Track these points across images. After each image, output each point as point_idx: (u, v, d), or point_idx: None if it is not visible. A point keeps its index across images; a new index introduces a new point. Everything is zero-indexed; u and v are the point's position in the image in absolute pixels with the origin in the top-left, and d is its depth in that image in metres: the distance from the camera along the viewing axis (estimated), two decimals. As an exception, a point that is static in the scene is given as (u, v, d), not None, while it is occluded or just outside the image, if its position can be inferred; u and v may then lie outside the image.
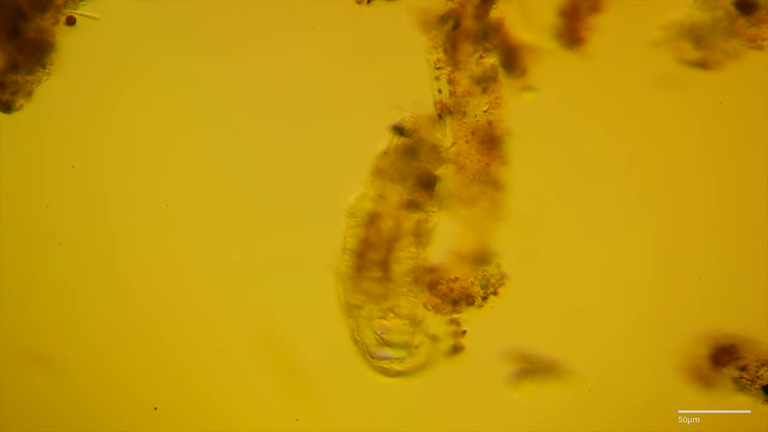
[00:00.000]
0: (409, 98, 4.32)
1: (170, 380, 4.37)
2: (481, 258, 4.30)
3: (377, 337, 4.28)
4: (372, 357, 4.27)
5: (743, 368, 4.22)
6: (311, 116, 4.39)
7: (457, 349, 4.30)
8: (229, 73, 4.40)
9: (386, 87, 4.34)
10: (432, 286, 4.28)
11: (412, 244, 4.27)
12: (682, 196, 4.29)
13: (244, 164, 4.39)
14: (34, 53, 4.36)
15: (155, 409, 4.35)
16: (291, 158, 4.39)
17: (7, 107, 4.38)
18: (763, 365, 4.21)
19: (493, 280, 4.28)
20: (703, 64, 4.26)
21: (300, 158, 4.39)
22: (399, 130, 4.28)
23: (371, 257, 4.27)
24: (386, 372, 4.29)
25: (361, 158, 4.34)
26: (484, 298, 4.29)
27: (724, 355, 4.23)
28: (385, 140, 4.31)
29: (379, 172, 4.30)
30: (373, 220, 4.28)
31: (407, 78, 4.33)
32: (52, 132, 4.43)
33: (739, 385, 4.22)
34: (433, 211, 4.28)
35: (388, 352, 4.28)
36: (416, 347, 4.27)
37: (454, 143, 4.22)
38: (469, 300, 4.28)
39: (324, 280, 4.33)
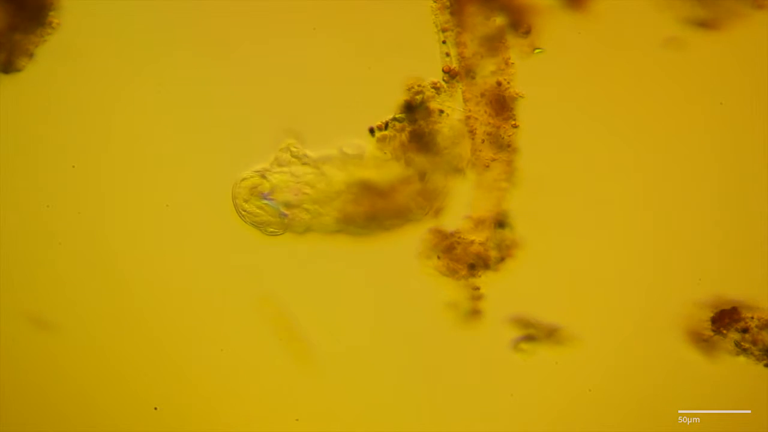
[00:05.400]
0: (416, 69, 4.31)
1: (170, 380, 4.37)
2: (496, 222, 4.29)
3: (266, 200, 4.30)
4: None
5: (744, 331, 4.23)
6: (312, 115, 4.39)
7: (475, 313, 4.31)
8: (229, 72, 4.40)
9: (394, 60, 4.34)
10: (448, 251, 4.30)
11: (425, 212, 4.28)
12: (690, 156, 4.29)
13: (245, 163, 4.39)
14: (35, 13, 4.31)
15: (155, 409, 4.36)
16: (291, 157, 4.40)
17: (7, 67, 4.37)
18: (764, 328, 4.22)
19: (507, 243, 4.28)
20: (706, 25, 4.28)
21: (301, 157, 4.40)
22: (408, 107, 4.27)
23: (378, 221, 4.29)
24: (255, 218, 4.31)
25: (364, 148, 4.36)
26: (500, 261, 4.30)
27: (726, 318, 4.24)
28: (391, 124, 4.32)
29: (387, 140, 4.30)
30: (379, 190, 4.29)
31: (414, 45, 4.32)
32: (52, 93, 4.42)
33: (741, 347, 4.23)
34: (443, 178, 4.28)
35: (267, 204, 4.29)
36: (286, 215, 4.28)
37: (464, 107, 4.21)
38: (485, 263, 4.30)
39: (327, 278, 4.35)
